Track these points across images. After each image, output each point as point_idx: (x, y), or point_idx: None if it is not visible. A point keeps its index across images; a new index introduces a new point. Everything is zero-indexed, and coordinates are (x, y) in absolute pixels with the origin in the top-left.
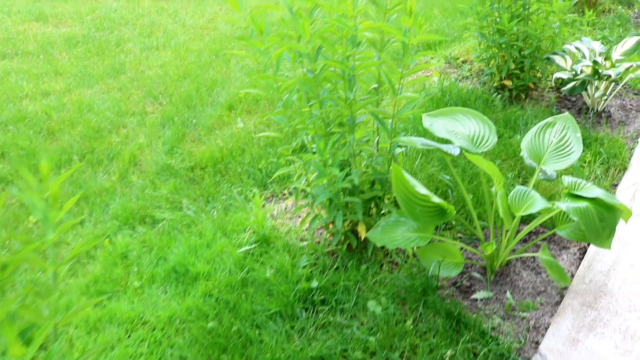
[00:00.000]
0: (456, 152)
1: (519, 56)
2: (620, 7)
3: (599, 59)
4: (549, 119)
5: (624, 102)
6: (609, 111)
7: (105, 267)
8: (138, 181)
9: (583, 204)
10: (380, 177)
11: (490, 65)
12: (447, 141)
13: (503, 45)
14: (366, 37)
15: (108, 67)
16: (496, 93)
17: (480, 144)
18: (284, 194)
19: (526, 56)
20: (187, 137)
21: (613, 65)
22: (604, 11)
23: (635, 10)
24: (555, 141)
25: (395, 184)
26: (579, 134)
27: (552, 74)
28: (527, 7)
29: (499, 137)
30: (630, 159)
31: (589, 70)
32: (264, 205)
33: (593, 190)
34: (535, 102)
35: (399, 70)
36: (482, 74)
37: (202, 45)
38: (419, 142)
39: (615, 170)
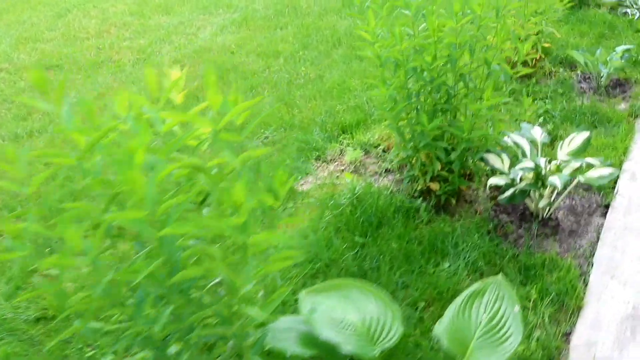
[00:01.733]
0: (345, 350)
1: (446, 156)
2: (562, 69)
3: (542, 161)
4: (477, 286)
5: (573, 202)
6: (557, 218)
7: None
8: None
9: None
10: None
11: (412, 165)
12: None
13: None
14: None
15: None
16: (421, 199)
17: (379, 338)
18: None
19: (454, 159)
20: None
21: (559, 169)
22: (545, 74)
23: (578, 72)
24: (485, 320)
25: None
26: (517, 308)
27: (487, 173)
28: (452, 95)
29: (419, 268)
30: (585, 294)
31: (530, 176)
32: None
33: None
34: (469, 206)
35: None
36: (406, 168)
37: None
38: (291, 342)
39: (568, 311)
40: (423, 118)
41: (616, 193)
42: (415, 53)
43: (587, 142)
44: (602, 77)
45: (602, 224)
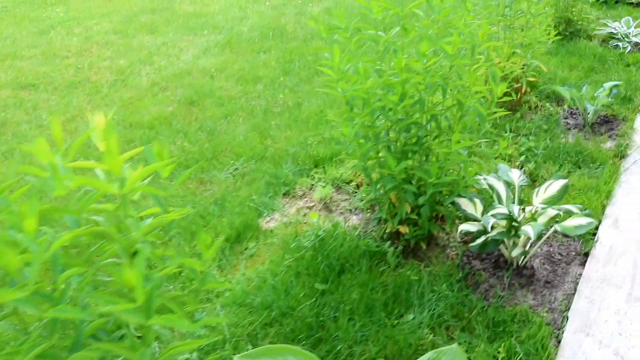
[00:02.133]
0: None
1: (416, 199)
2: (548, 103)
3: (515, 209)
4: (430, 355)
5: (551, 249)
6: (532, 266)
7: None
8: None
9: None
10: None
11: (381, 206)
12: None
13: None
14: None
15: None
16: (390, 242)
17: None
18: None
19: (423, 203)
20: None
21: (533, 217)
22: (530, 108)
23: (565, 107)
24: None
25: None
26: None
27: (460, 216)
28: (423, 136)
29: (381, 320)
30: (556, 354)
31: (503, 224)
32: None
33: None
34: (441, 251)
35: None
36: (376, 209)
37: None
38: None
39: None
40: (390, 161)
41: (596, 241)
42: (383, 91)
43: (564, 190)
44: (588, 113)
45: (581, 274)
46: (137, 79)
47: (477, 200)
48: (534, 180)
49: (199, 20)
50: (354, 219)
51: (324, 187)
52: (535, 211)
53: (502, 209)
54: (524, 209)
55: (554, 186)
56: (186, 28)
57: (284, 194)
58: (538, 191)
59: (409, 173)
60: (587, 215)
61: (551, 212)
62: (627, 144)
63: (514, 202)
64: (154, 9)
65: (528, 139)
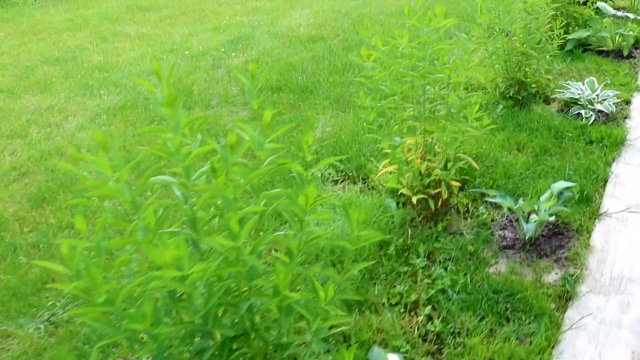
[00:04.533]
0: None
1: None
2: (482, 206)
3: None
4: None
5: None
6: None
7: None
8: None
9: None
10: None
11: None
12: None
13: None
14: None
15: None
16: None
17: None
18: None
19: None
20: None
21: None
22: (459, 212)
23: (504, 212)
24: None
25: None
26: None
27: None
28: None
29: None
30: None
31: None
32: None
33: None
34: None
35: None
36: None
37: None
38: None
39: None
40: None
41: None
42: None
43: None
44: (526, 233)
45: None
46: None
47: None
48: (439, 346)
49: (101, 75)
50: None
51: None
52: None
53: None
54: None
55: None
56: (84, 85)
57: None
58: None
59: None
60: None
61: None
62: (577, 276)
63: None
64: (59, 58)
65: (446, 269)
